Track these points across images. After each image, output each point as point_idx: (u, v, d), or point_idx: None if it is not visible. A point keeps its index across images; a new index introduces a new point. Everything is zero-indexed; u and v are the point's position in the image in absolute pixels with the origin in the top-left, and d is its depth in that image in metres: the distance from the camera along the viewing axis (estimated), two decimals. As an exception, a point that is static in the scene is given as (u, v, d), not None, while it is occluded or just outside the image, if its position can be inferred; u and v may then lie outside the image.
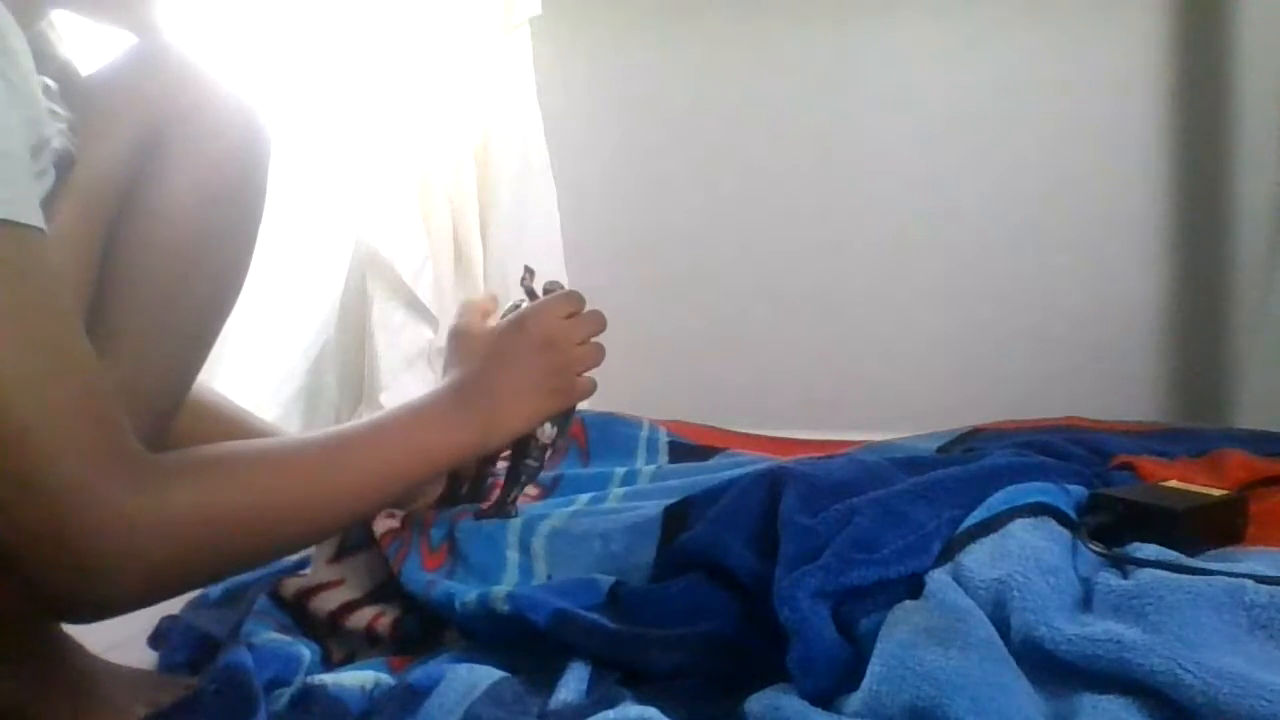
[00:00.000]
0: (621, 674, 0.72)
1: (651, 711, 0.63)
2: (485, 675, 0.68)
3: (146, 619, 0.86)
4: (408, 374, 1.45)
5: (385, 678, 0.73)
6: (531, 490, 1.01)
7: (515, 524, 0.89)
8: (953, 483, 0.81)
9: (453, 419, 0.80)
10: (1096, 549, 0.75)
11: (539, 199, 1.60)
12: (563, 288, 0.91)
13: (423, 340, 1.47)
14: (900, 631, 0.64)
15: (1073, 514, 0.80)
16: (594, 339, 0.88)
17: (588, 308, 0.89)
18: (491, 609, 0.76)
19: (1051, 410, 1.30)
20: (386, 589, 0.87)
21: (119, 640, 0.80)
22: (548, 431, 0.90)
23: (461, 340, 0.88)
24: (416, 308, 1.46)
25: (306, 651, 0.79)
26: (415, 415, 0.79)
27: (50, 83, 0.71)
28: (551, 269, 1.53)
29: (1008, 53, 1.62)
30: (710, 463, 1.16)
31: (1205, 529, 0.82)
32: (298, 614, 0.88)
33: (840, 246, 1.67)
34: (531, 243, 1.56)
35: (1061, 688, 0.61)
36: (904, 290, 1.66)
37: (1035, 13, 1.60)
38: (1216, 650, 0.60)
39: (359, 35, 1.43)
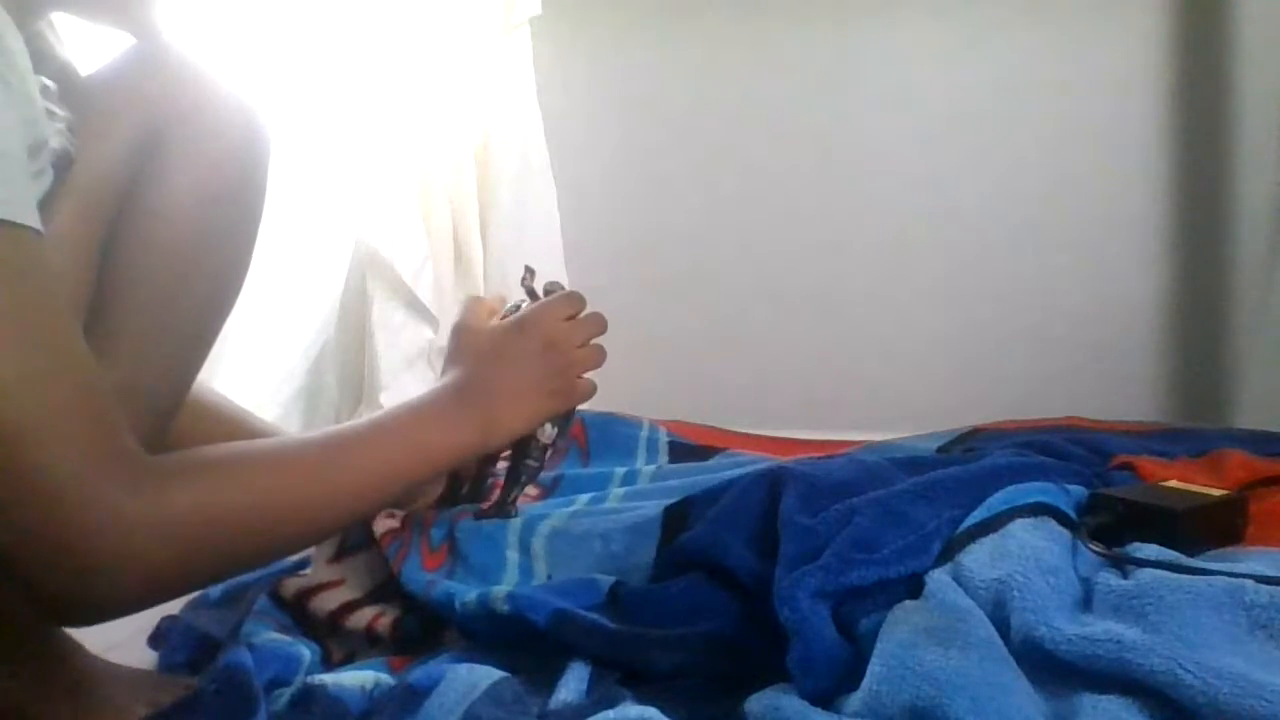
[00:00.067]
0: (621, 674, 0.72)
1: (651, 711, 0.63)
2: (485, 675, 0.68)
3: (146, 619, 0.86)
4: (408, 374, 1.45)
5: (385, 678, 0.73)
6: (531, 490, 1.01)
7: (515, 524, 0.89)
8: (953, 483, 0.81)
9: (453, 419, 0.80)
10: (1096, 549, 0.75)
11: (539, 199, 1.60)
12: (563, 288, 0.91)
13: (423, 340, 1.47)
14: (900, 631, 0.64)
15: (1073, 514, 0.80)
16: (595, 340, 0.88)
17: (588, 308, 0.89)
18: (491, 609, 0.76)
19: (1051, 410, 1.30)
20: (386, 589, 0.87)
21: (119, 640, 0.80)
22: (548, 432, 0.90)
23: (463, 338, 0.88)
24: (416, 308, 1.46)
25: (306, 651, 0.79)
26: (415, 415, 0.79)
27: (49, 83, 0.71)
28: (551, 269, 1.53)
29: (1008, 53, 1.61)
30: (710, 463, 1.16)
31: (1205, 529, 0.82)
32: (298, 614, 0.88)
33: (840, 246, 1.67)
34: (531, 243, 1.56)
35: (1061, 688, 0.61)
36: (904, 290, 1.66)
37: (1035, 13, 1.60)
38: (1216, 650, 0.60)
39: (359, 35, 1.43)
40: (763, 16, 1.65)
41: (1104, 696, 0.59)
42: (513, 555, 0.87)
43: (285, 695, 0.71)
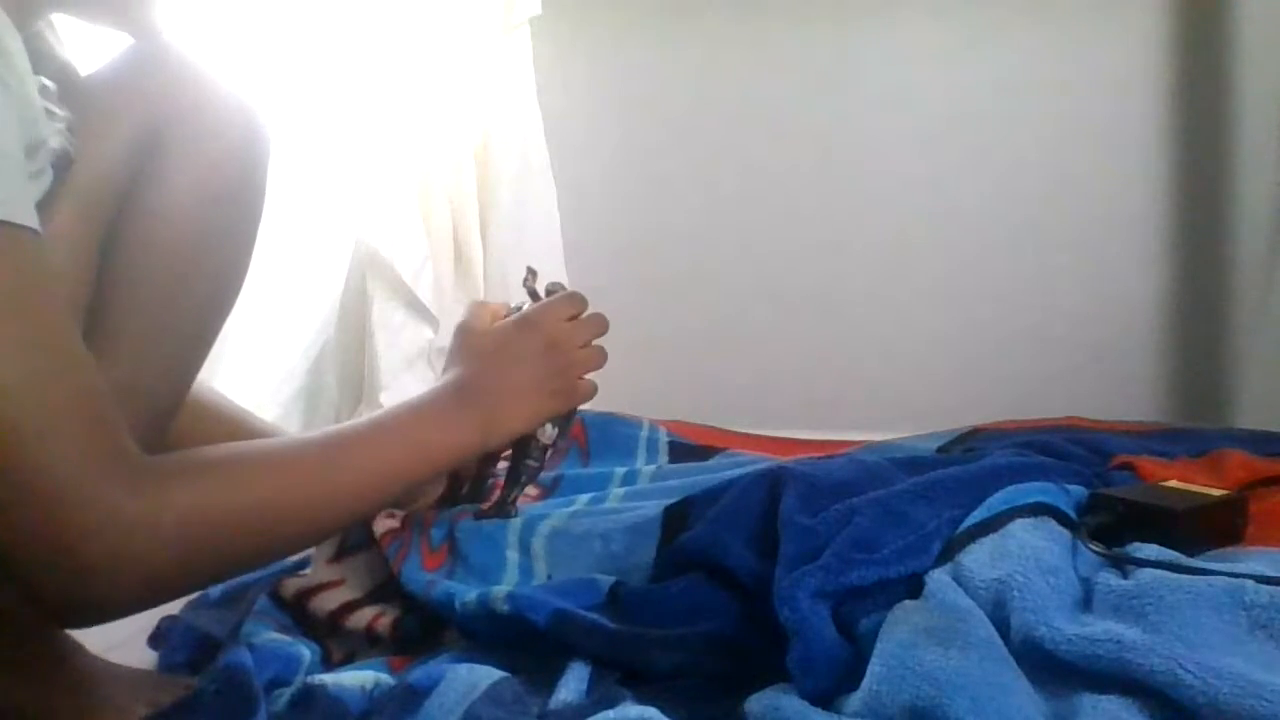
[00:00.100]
0: (621, 674, 0.72)
1: (651, 711, 0.63)
2: (485, 675, 0.68)
3: (146, 619, 0.86)
4: (408, 374, 1.45)
5: (385, 678, 0.73)
6: (531, 490, 1.01)
7: (515, 524, 0.89)
8: (953, 483, 0.81)
9: (453, 418, 0.80)
10: (1096, 549, 0.75)
11: (539, 199, 1.60)
12: (565, 289, 0.91)
13: (423, 340, 1.47)
14: (900, 631, 0.64)
15: (1073, 514, 0.80)
16: (595, 341, 0.88)
17: (589, 309, 0.89)
18: (491, 609, 0.75)
19: (1051, 410, 1.30)
20: (386, 589, 0.87)
21: (119, 640, 0.80)
22: (548, 432, 0.90)
23: (465, 337, 0.88)
24: (416, 308, 1.46)
25: (306, 651, 0.79)
26: (415, 414, 0.79)
27: (49, 83, 0.71)
28: (551, 269, 1.53)
29: (1008, 53, 1.61)
30: (710, 463, 1.16)
31: (1205, 529, 0.82)
32: (298, 614, 0.88)
33: (840, 246, 1.67)
34: (531, 243, 1.56)
35: (1061, 688, 0.61)
36: (904, 290, 1.66)
37: (1035, 13, 1.60)
38: (1216, 650, 0.60)
39: (359, 35, 1.43)
40: (763, 16, 1.65)
41: (1104, 696, 0.59)
42: (513, 555, 0.87)
43: (285, 695, 0.71)
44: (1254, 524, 0.86)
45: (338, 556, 0.90)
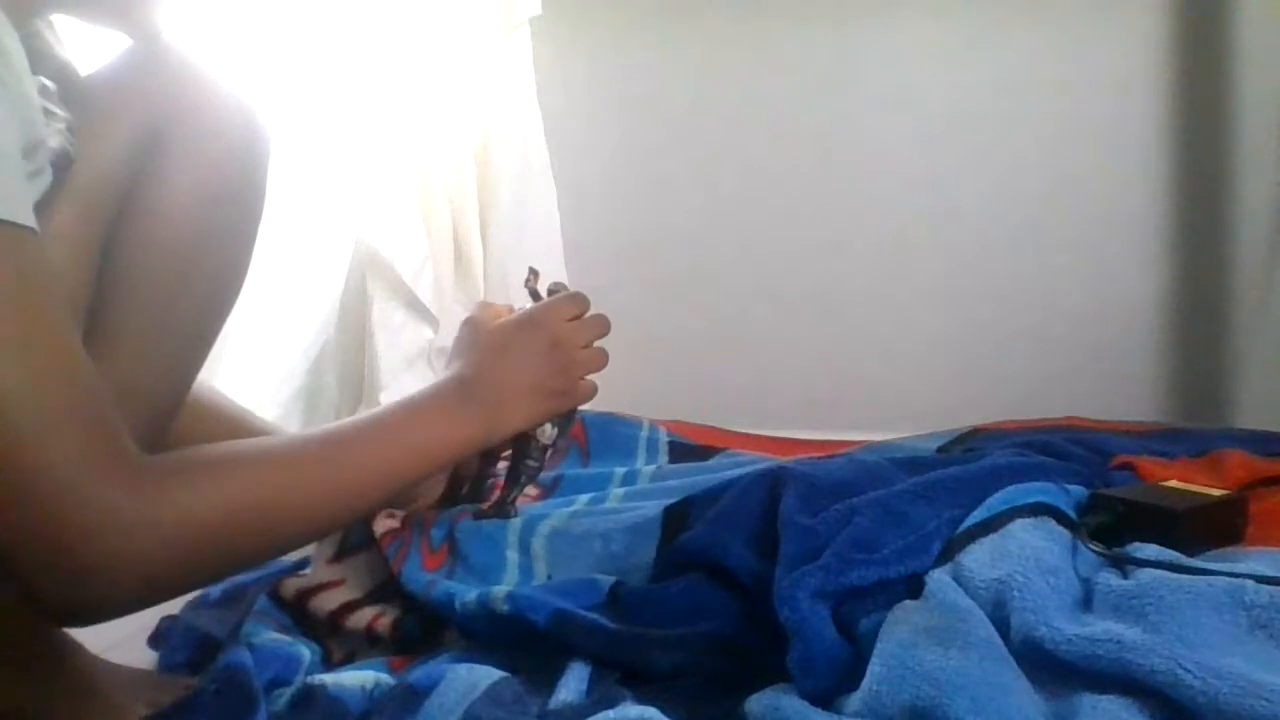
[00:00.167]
0: (621, 674, 0.72)
1: (651, 711, 0.63)
2: (485, 675, 0.68)
3: (146, 619, 0.86)
4: (408, 374, 1.44)
5: (385, 678, 0.73)
6: (531, 491, 1.01)
7: (515, 524, 0.89)
8: (953, 483, 0.81)
9: (454, 414, 0.80)
10: (1096, 549, 0.75)
11: (539, 199, 1.60)
12: (567, 289, 0.91)
13: (423, 340, 1.47)
14: (900, 631, 0.64)
15: (1073, 514, 0.80)
16: (597, 342, 0.88)
17: (590, 309, 0.89)
18: (491, 609, 0.76)
19: (1051, 410, 1.30)
20: (386, 589, 0.87)
21: (119, 640, 0.80)
22: (548, 432, 0.90)
23: (469, 334, 0.88)
24: (416, 308, 1.46)
25: (306, 651, 0.79)
26: (416, 411, 0.79)
27: (48, 83, 0.71)
28: (552, 269, 1.53)
29: (1008, 53, 1.61)
30: (710, 463, 1.16)
31: (1205, 529, 0.82)
32: (298, 614, 0.88)
33: (840, 246, 1.67)
34: (531, 243, 1.56)
35: (1061, 688, 0.61)
36: (904, 290, 1.66)
37: (1035, 13, 1.60)
38: (1216, 650, 0.60)
39: (359, 35, 1.43)
40: (763, 16, 1.65)
41: (1104, 696, 0.59)
42: (513, 555, 0.87)
43: (285, 695, 0.71)
44: (1254, 524, 0.86)
45: (338, 556, 0.90)
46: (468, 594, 0.78)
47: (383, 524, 0.89)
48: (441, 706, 0.65)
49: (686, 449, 1.23)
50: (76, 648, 0.74)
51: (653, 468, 1.14)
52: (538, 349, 0.86)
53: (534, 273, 0.95)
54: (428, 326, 1.47)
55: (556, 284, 0.93)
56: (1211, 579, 0.66)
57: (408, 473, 0.76)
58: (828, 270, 1.67)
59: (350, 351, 1.46)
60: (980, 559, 0.71)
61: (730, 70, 1.68)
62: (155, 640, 0.85)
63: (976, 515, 0.76)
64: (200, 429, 0.81)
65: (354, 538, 0.90)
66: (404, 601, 0.85)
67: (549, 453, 0.93)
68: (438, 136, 1.50)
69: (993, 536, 0.73)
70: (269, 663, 0.75)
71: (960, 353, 1.64)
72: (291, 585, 0.89)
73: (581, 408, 0.91)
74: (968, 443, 1.17)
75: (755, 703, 0.65)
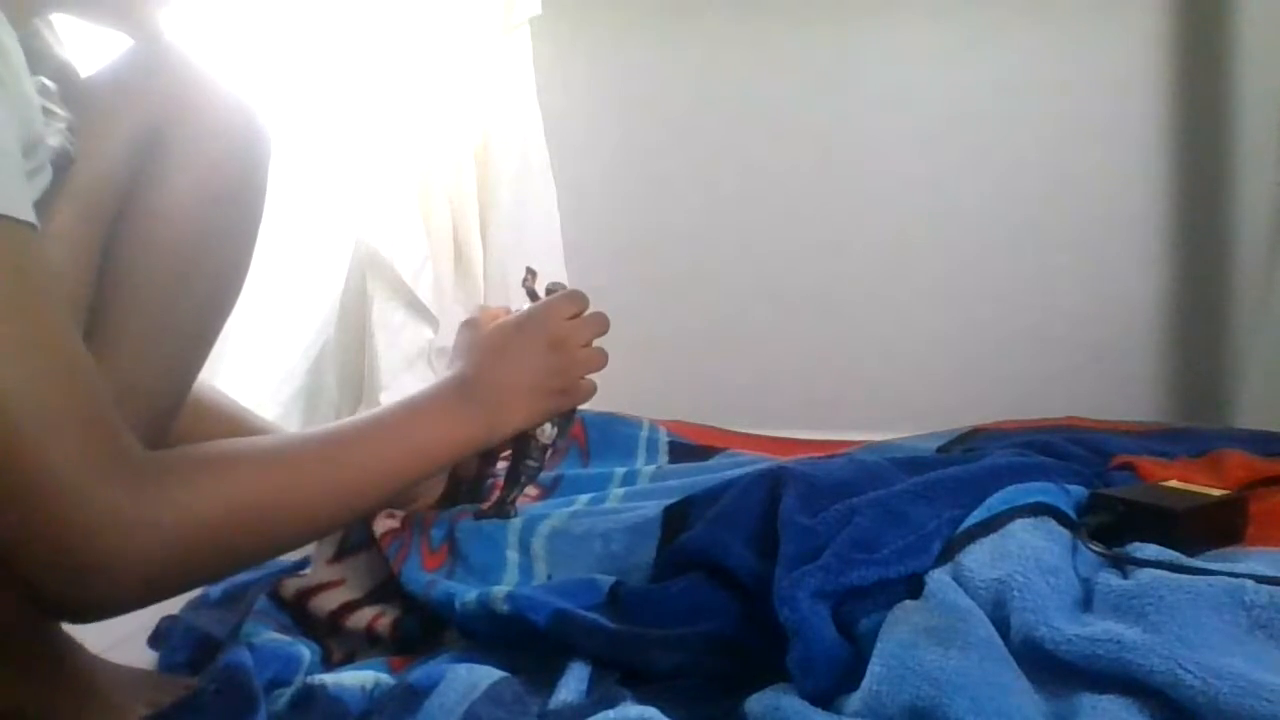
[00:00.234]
0: (621, 674, 0.72)
1: (651, 711, 0.63)
2: (485, 675, 0.68)
3: (147, 618, 0.86)
4: (408, 374, 1.44)
5: (385, 678, 0.73)
6: (531, 491, 1.01)
7: (515, 524, 0.89)
8: (953, 483, 0.81)
9: (455, 413, 0.80)
10: (1096, 549, 0.75)
11: (539, 199, 1.60)
12: (565, 288, 0.91)
13: (423, 340, 1.47)
14: (900, 631, 0.64)
15: (1073, 514, 0.80)
16: (596, 341, 0.88)
17: (590, 308, 0.89)
18: (491, 609, 0.76)
19: (1051, 410, 1.30)
20: (386, 589, 0.87)
21: (119, 640, 0.80)
22: (548, 432, 0.90)
23: (469, 334, 0.88)
24: (416, 308, 1.46)
25: (306, 651, 0.79)
26: (416, 411, 0.79)
27: (49, 83, 0.71)
28: (551, 269, 1.53)
29: (1008, 53, 1.61)
30: (710, 463, 1.16)
31: (1205, 529, 0.82)
32: (298, 614, 0.88)
33: (840, 246, 1.67)
34: (531, 243, 1.56)
35: (1061, 688, 0.61)
36: (904, 290, 1.66)
37: (1035, 13, 1.60)
38: (1216, 650, 0.60)
39: (359, 35, 1.43)
40: (763, 16, 1.65)
41: (1104, 696, 0.59)
42: (513, 555, 0.87)
43: (285, 695, 0.71)
44: (1254, 524, 0.86)
45: (338, 556, 0.90)
46: (468, 594, 0.78)
47: (383, 524, 0.89)
48: (441, 706, 0.65)
49: (686, 449, 1.23)
50: (76, 648, 0.74)
51: (653, 468, 1.14)
52: (537, 349, 0.86)
53: (531, 272, 0.95)
54: (428, 326, 1.47)
55: (555, 283, 0.93)
56: (1211, 579, 0.66)
57: (408, 472, 0.76)
58: (828, 270, 1.67)
59: (350, 351, 1.46)
60: (980, 559, 0.71)
61: (730, 70, 1.68)
62: (155, 640, 0.85)
63: (976, 515, 0.76)
64: (201, 429, 0.81)
65: (354, 538, 0.90)
66: (404, 601, 0.85)
67: (549, 453, 0.93)
68: (438, 136, 1.50)
69: (993, 536, 0.73)
70: (269, 663, 0.75)
71: (960, 353, 1.64)
72: (291, 585, 0.89)
73: (581, 407, 0.91)
74: (968, 443, 1.17)
75: (755, 703, 0.65)
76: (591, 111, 1.70)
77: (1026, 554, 0.70)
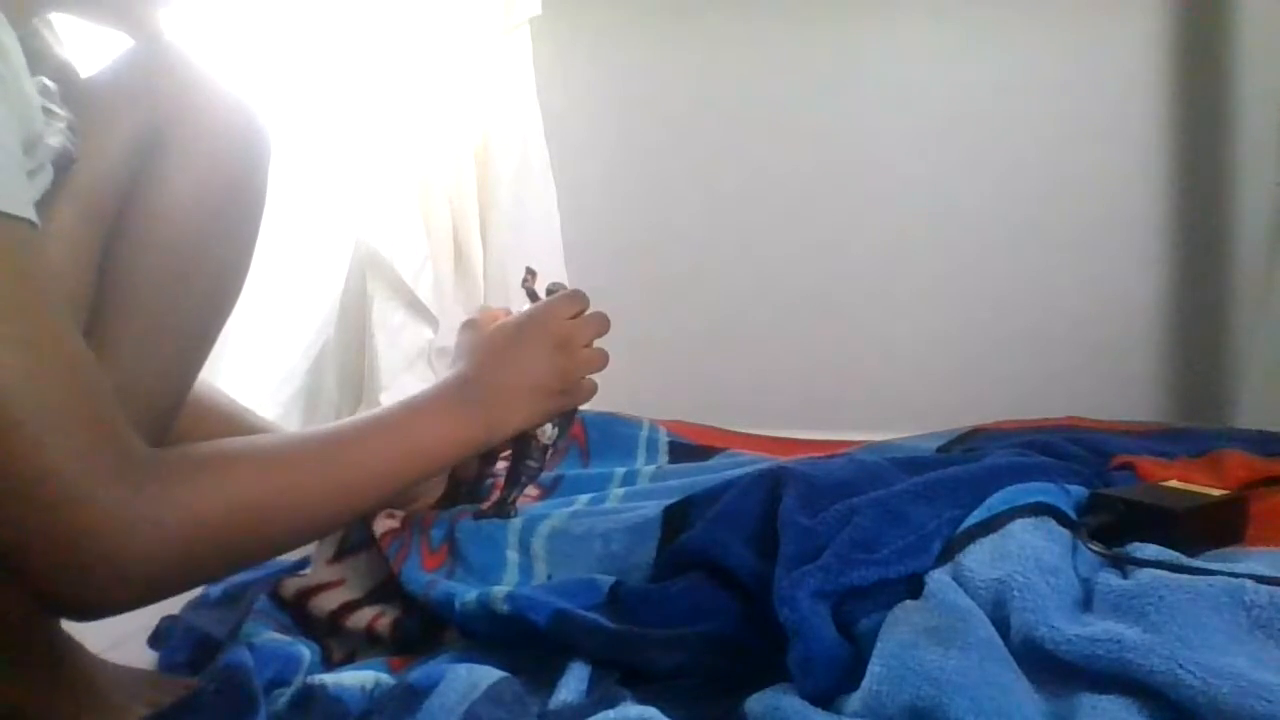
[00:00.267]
0: (621, 674, 0.72)
1: (651, 711, 0.63)
2: (485, 675, 0.68)
3: (146, 619, 0.86)
4: (408, 374, 1.45)
5: (385, 678, 0.73)
6: (531, 491, 1.01)
7: (515, 524, 0.89)
8: (953, 483, 0.81)
9: (456, 413, 0.80)
10: (1096, 549, 0.75)
11: (539, 199, 1.60)
12: (566, 288, 0.91)
13: (423, 340, 1.47)
14: (900, 631, 0.64)
15: (1073, 514, 0.80)
16: (597, 342, 0.88)
17: (589, 307, 0.89)
18: (491, 609, 0.75)
19: (1051, 410, 1.30)
20: (386, 589, 0.87)
21: (119, 640, 0.80)
22: (549, 433, 0.90)
23: (472, 333, 0.88)
24: (416, 308, 1.46)
25: (306, 651, 0.79)
26: (417, 410, 0.79)
27: (49, 83, 0.71)
28: (551, 269, 1.53)
29: (1008, 53, 1.62)
30: (710, 463, 1.16)
31: (1205, 529, 0.82)
32: (298, 614, 0.88)
33: (840, 246, 1.67)
34: (531, 243, 1.56)
35: (1061, 688, 0.61)
36: (904, 290, 1.66)
37: (1035, 13, 1.60)
38: (1216, 650, 0.60)
39: (359, 35, 1.43)
40: (763, 16, 1.65)
41: (1104, 696, 0.59)
42: (513, 555, 0.87)
43: (285, 695, 0.71)
44: (1254, 524, 0.86)
45: (338, 556, 0.90)
46: (468, 594, 0.78)
47: (383, 524, 0.89)
48: (441, 706, 0.65)
49: (686, 449, 1.23)
50: (76, 647, 0.74)
51: (653, 468, 1.14)
52: (539, 349, 0.86)
53: (531, 273, 0.95)
54: (428, 326, 1.47)
55: (555, 284, 0.93)
56: (1211, 579, 0.66)
57: (409, 472, 0.76)
58: (828, 270, 1.67)
59: (350, 351, 1.47)
60: (980, 559, 0.71)
61: (730, 70, 1.68)
62: (155, 640, 0.85)
63: (976, 515, 0.76)
64: (201, 429, 0.81)
65: (354, 538, 0.90)
66: (404, 601, 0.85)
67: (549, 453, 0.93)
68: (438, 136, 1.50)
69: (993, 536, 0.73)
70: (269, 663, 0.75)
71: (960, 353, 1.64)
72: (291, 585, 0.88)
73: (581, 407, 0.91)
74: (968, 443, 1.17)
75: (755, 703, 0.64)
76: (591, 111, 1.70)
77: (1026, 554, 0.70)
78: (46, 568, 0.54)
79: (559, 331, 0.86)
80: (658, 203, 1.71)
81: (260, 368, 1.30)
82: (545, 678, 0.71)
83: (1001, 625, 0.65)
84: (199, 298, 0.76)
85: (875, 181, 1.66)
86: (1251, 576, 0.66)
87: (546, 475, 1.05)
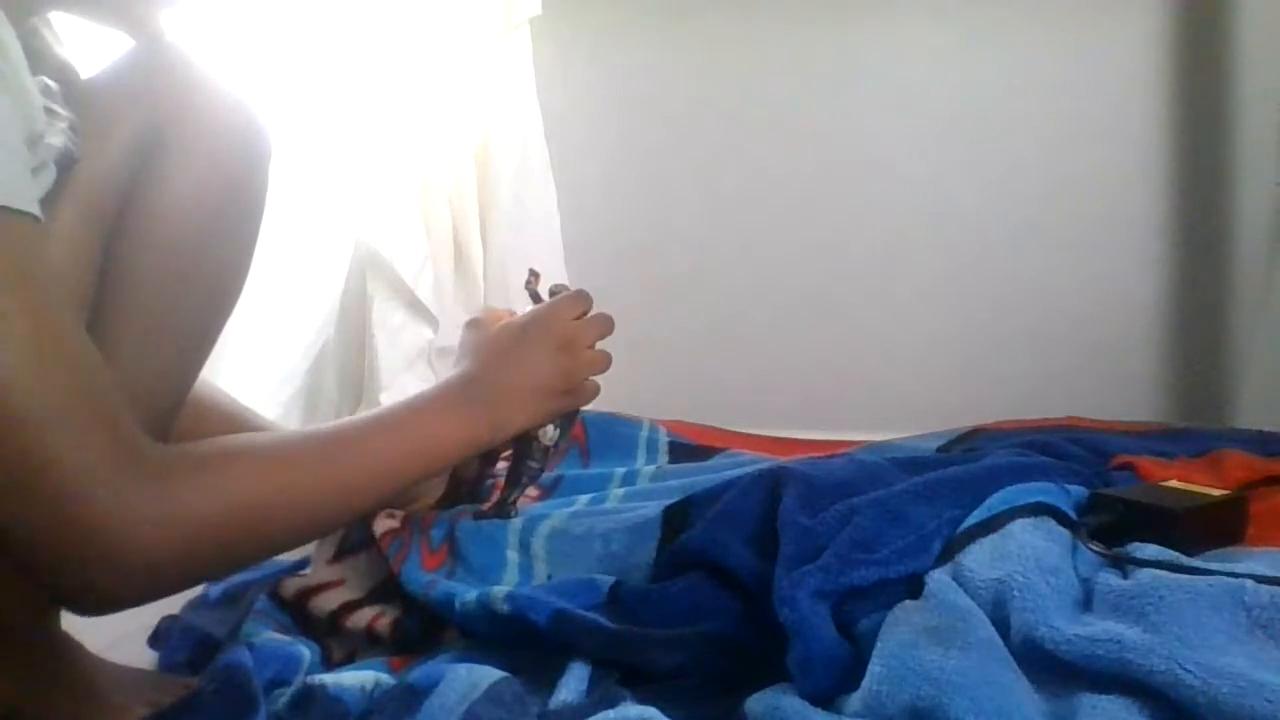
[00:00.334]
0: (621, 674, 0.72)
1: (651, 711, 0.63)
2: (485, 675, 0.68)
3: (146, 618, 0.86)
4: (408, 374, 1.45)
5: (385, 678, 0.73)
6: (532, 491, 1.01)
7: (515, 524, 0.89)
8: (953, 483, 0.81)
9: (458, 412, 0.80)
10: (1096, 549, 0.75)
11: (539, 199, 1.60)
12: (568, 290, 0.91)
13: (423, 340, 1.47)
14: (900, 631, 0.64)
15: (1073, 514, 0.80)
16: (600, 343, 0.88)
17: (593, 308, 0.89)
18: (491, 609, 0.76)
19: (1051, 410, 1.30)
20: (386, 589, 0.87)
21: (119, 640, 0.80)
22: (550, 433, 0.90)
23: (476, 333, 0.88)
24: (416, 308, 1.46)
25: (306, 651, 0.79)
26: (419, 410, 0.79)
27: (50, 83, 0.71)
28: (551, 269, 1.52)
29: (1008, 53, 1.62)
30: (710, 463, 1.16)
31: (1205, 529, 0.82)
32: (298, 614, 0.88)
33: (840, 246, 1.67)
34: (531, 243, 1.56)
35: (1061, 688, 0.61)
36: (904, 290, 1.66)
37: (1035, 13, 1.60)
38: (1216, 650, 0.60)
39: (359, 36, 1.43)
40: (763, 16, 1.65)
41: (1104, 696, 0.59)
42: (513, 555, 0.87)
43: (285, 695, 0.71)
44: (1254, 524, 0.86)
45: (338, 556, 0.90)
46: (468, 594, 0.78)
47: (383, 524, 0.89)
48: (441, 706, 0.65)
49: (686, 449, 1.23)
50: (76, 647, 0.74)
51: (653, 468, 1.14)
52: (543, 349, 0.86)
53: (534, 274, 0.95)
54: (428, 326, 1.47)
55: (558, 285, 0.93)
56: (1211, 579, 0.66)
57: (410, 472, 0.76)
58: (828, 270, 1.67)
59: (350, 351, 1.47)
60: (980, 559, 0.71)
61: (730, 70, 1.68)
62: (155, 640, 0.85)
63: (976, 515, 0.76)
64: (201, 428, 0.81)
65: (354, 538, 0.90)
66: (404, 601, 0.85)
67: (550, 454, 0.93)
68: (438, 136, 1.50)
69: (993, 536, 0.73)
70: (269, 663, 0.75)
71: (960, 353, 1.64)
72: (291, 585, 0.88)
73: (582, 408, 0.91)
74: (968, 443, 1.17)
75: (755, 703, 0.65)
76: (591, 111, 1.70)
77: (1026, 554, 0.70)
78: (50, 561, 0.55)
79: (563, 332, 0.86)
80: (658, 203, 1.71)
81: (260, 368, 1.30)
82: (545, 678, 0.71)
83: (1001, 625, 0.65)
84: (199, 298, 0.76)
85: (875, 181, 1.66)
86: (1251, 576, 0.66)
87: (547, 476, 1.05)
